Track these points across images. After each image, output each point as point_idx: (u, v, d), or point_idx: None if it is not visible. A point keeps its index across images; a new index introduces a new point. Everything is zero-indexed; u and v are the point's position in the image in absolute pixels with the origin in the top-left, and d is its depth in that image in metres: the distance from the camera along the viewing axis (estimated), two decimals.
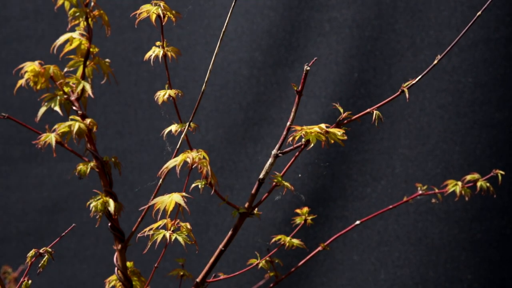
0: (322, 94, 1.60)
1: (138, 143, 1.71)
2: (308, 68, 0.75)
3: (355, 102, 1.59)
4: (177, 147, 0.78)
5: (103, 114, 1.71)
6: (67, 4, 0.87)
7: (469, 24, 0.73)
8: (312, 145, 0.73)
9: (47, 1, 1.76)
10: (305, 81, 0.75)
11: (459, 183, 0.96)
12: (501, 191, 1.52)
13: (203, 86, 0.76)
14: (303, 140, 0.75)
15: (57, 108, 0.88)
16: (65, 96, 0.89)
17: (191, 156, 0.72)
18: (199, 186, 0.76)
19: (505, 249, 1.55)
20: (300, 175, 1.61)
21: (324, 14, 1.61)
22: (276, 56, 1.63)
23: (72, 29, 0.89)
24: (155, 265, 0.83)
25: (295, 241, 0.91)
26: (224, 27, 0.74)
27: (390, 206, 0.99)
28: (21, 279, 0.73)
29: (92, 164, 0.87)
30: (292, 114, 0.77)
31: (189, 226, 0.75)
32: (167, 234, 0.72)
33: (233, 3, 0.76)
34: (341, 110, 0.76)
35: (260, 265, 0.93)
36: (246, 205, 0.81)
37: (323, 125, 0.74)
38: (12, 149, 1.77)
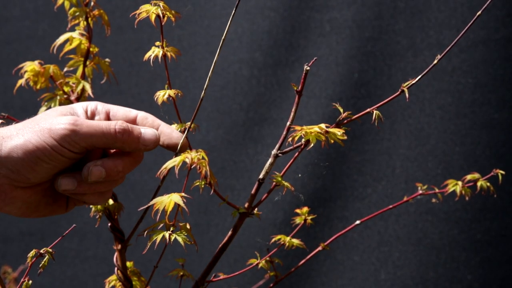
0: (322, 94, 1.60)
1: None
2: (308, 68, 0.75)
3: (355, 103, 1.59)
4: (177, 147, 0.78)
5: None
6: (67, 4, 0.87)
7: (469, 25, 0.73)
8: (312, 145, 0.73)
9: (47, 1, 1.76)
10: (305, 81, 0.75)
11: (460, 182, 0.96)
12: (501, 191, 1.52)
13: (202, 93, 0.76)
14: (303, 140, 0.75)
15: None
16: (65, 96, 0.89)
17: (190, 156, 0.72)
18: (199, 186, 0.76)
19: (505, 249, 1.55)
20: (300, 175, 1.61)
21: (324, 15, 1.61)
22: (276, 57, 1.63)
23: (72, 29, 0.88)
24: (155, 265, 0.83)
25: (295, 241, 0.91)
26: (226, 29, 0.74)
27: (390, 206, 0.99)
28: (22, 279, 0.73)
29: None
30: (292, 114, 0.77)
31: (188, 226, 0.74)
32: (167, 235, 0.72)
33: (235, 7, 0.75)
34: (341, 110, 0.76)
35: (260, 265, 0.93)
36: (246, 205, 0.81)
37: (323, 125, 0.74)
38: None
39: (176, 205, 0.71)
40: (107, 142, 0.72)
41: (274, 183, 0.79)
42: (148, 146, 0.74)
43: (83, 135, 0.70)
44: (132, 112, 0.77)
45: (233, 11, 0.72)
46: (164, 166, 0.73)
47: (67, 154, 0.70)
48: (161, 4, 0.76)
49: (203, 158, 0.73)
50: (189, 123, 0.79)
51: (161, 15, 0.75)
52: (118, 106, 0.77)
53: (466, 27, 0.72)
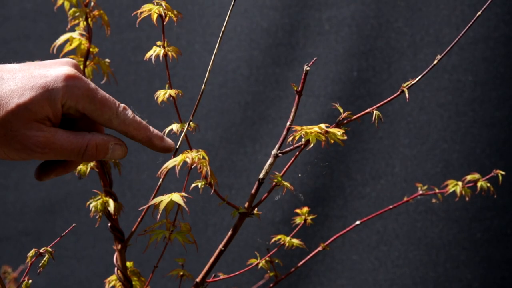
0: (322, 93, 1.60)
1: (137, 143, 1.71)
2: (308, 68, 0.75)
3: (354, 101, 1.59)
4: (177, 146, 0.78)
5: None
6: (66, 4, 0.87)
7: (469, 25, 0.73)
8: (312, 145, 0.73)
9: (46, 1, 1.76)
10: (305, 81, 0.75)
11: (460, 183, 0.96)
12: (501, 190, 1.51)
13: (203, 85, 0.75)
14: (303, 140, 0.75)
15: None
16: None
17: (191, 156, 0.72)
18: (199, 186, 0.76)
19: (505, 248, 1.55)
20: (300, 175, 1.60)
21: (323, 13, 1.61)
22: (275, 55, 1.63)
23: (72, 29, 0.88)
24: (155, 265, 0.83)
25: (295, 241, 0.91)
26: (224, 26, 0.74)
27: (390, 206, 0.99)
28: (21, 279, 0.73)
29: (91, 164, 0.87)
30: (292, 114, 0.76)
31: (188, 226, 0.74)
32: (167, 234, 0.72)
33: (232, 4, 0.75)
34: (341, 110, 0.76)
35: (260, 265, 0.93)
36: (246, 205, 0.80)
37: (323, 125, 0.73)
38: None
39: (177, 205, 0.71)
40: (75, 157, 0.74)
41: (274, 183, 0.79)
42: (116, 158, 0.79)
43: (56, 150, 0.72)
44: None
45: (231, 6, 0.72)
46: (165, 165, 0.73)
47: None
48: (164, 3, 0.75)
49: (203, 157, 0.73)
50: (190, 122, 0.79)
51: (163, 15, 0.75)
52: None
53: (466, 28, 0.72)
